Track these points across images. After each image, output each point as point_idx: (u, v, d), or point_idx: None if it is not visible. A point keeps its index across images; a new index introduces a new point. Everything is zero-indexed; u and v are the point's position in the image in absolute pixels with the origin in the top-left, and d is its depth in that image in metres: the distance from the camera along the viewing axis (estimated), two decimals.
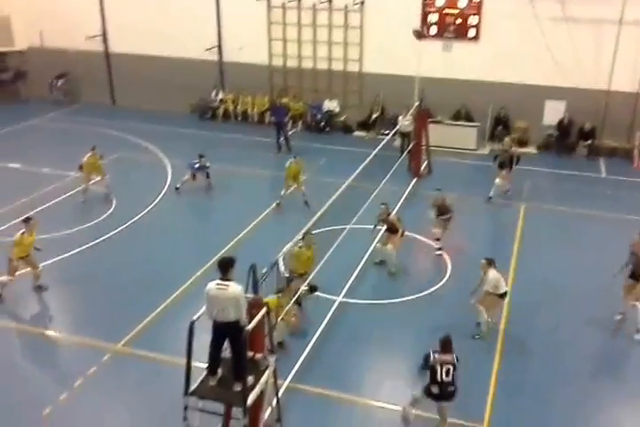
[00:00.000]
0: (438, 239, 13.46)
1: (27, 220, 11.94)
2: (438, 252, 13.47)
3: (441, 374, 8.31)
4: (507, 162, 15.81)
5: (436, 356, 8.39)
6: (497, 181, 15.89)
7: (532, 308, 11.64)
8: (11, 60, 25.15)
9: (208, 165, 16.53)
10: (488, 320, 10.73)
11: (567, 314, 11.53)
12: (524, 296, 11.90)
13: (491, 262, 10.64)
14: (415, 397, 8.71)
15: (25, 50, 24.70)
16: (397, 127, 18.37)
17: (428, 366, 8.43)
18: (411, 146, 17.91)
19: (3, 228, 14.22)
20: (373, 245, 13.23)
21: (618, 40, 18.42)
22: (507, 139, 16.92)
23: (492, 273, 10.56)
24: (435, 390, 8.36)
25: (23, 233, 11.74)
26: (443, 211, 13.35)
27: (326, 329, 10.92)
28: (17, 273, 11.89)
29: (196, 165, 16.51)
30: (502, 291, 10.65)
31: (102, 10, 23.31)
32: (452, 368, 8.33)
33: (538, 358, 10.38)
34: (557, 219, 15.42)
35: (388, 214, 12.73)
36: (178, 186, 16.58)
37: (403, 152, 18.09)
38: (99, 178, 16.26)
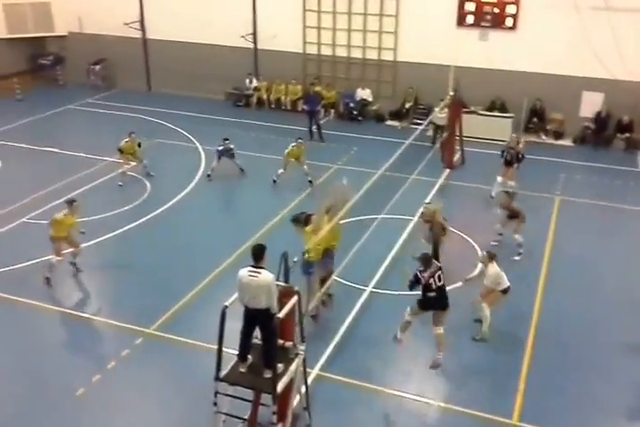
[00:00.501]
0: (501, 234, 13.30)
1: (70, 202, 12.08)
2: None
3: (435, 282, 9.09)
4: (513, 159, 15.31)
5: (424, 274, 9.10)
6: (499, 179, 15.27)
7: (565, 303, 11.52)
8: (50, 46, 25.55)
9: (232, 146, 16.65)
10: (487, 316, 10.41)
11: (602, 310, 11.39)
12: (557, 289, 11.83)
13: (492, 257, 10.42)
14: (409, 314, 9.40)
15: (65, 35, 25.04)
16: (430, 117, 18.22)
17: (418, 284, 9.23)
18: (444, 137, 17.75)
19: (41, 210, 14.53)
20: (403, 237, 13.17)
21: None
22: (513, 135, 16.57)
23: (493, 268, 10.35)
24: (432, 294, 9.16)
25: (65, 214, 11.89)
26: (511, 213, 13.18)
27: (355, 319, 10.99)
28: (63, 252, 12.06)
29: (220, 148, 16.65)
30: (504, 287, 10.41)
31: None
32: (440, 272, 9.10)
33: (570, 352, 10.27)
34: (593, 213, 15.20)
35: (433, 214, 12.13)
36: (209, 173, 16.74)
37: (434, 142, 17.93)
38: (134, 163, 16.56)
